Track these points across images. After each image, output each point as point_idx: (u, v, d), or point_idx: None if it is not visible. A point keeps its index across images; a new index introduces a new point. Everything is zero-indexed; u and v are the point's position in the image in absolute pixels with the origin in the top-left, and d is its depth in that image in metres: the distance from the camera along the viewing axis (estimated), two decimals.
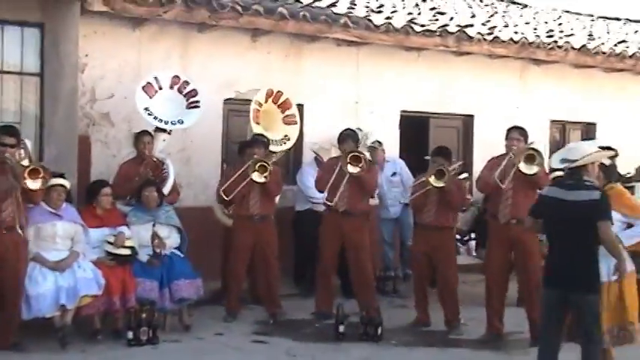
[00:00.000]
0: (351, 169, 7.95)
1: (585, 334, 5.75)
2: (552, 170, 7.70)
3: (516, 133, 7.62)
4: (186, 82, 8.55)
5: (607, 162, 6.63)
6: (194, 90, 8.52)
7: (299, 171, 9.77)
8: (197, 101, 8.50)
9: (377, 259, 9.48)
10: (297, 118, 9.22)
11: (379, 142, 9.94)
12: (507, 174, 7.37)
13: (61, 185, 7.17)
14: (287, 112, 9.10)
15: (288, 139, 9.04)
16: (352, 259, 8.30)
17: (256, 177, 7.96)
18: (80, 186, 8.06)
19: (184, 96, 8.49)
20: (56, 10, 8.07)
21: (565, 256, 5.74)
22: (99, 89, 8.94)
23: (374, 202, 9.16)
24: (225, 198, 8.08)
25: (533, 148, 7.35)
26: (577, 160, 5.76)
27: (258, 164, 7.96)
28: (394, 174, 9.95)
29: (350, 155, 7.98)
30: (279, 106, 9.03)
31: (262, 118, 8.79)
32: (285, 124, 9.09)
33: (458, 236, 9.63)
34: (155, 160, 8.28)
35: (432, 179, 7.76)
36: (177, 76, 8.56)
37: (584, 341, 5.77)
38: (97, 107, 8.95)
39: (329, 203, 8.16)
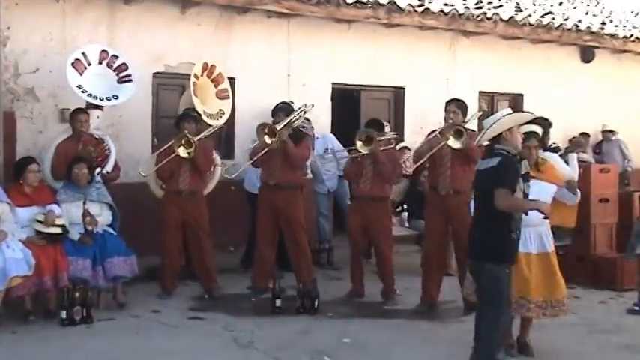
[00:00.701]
0: (268, 140, 7.89)
1: (483, 298, 5.71)
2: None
3: (453, 105, 7.69)
4: (115, 56, 8.34)
5: (540, 132, 6.75)
6: (124, 64, 8.33)
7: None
8: (128, 75, 8.31)
9: (313, 232, 9.49)
10: (230, 93, 9.08)
11: (307, 120, 9.96)
12: (440, 149, 7.50)
13: None
14: (220, 87, 8.96)
15: (223, 114, 8.90)
16: (287, 233, 8.28)
17: (182, 152, 7.85)
18: (6, 164, 7.82)
19: (114, 70, 8.28)
20: None
21: (474, 224, 5.79)
22: (22, 63, 8.64)
23: (307, 176, 9.14)
24: (143, 175, 8.02)
25: (459, 125, 7.45)
26: (486, 133, 5.67)
27: (184, 139, 7.87)
28: (326, 150, 9.96)
29: (267, 128, 7.94)
30: (212, 80, 8.89)
31: (198, 91, 8.64)
32: (219, 98, 8.95)
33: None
34: (97, 137, 8.09)
35: (359, 145, 7.82)
36: (105, 51, 8.33)
37: (480, 312, 5.77)
38: (21, 82, 8.67)
39: (265, 181, 8.11)
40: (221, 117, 8.87)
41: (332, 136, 10.25)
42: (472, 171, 6.97)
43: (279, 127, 7.94)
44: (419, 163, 7.75)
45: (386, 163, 8.01)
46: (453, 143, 7.43)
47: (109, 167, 8.00)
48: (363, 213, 8.09)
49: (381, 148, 8.03)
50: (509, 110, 6.10)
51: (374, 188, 8.04)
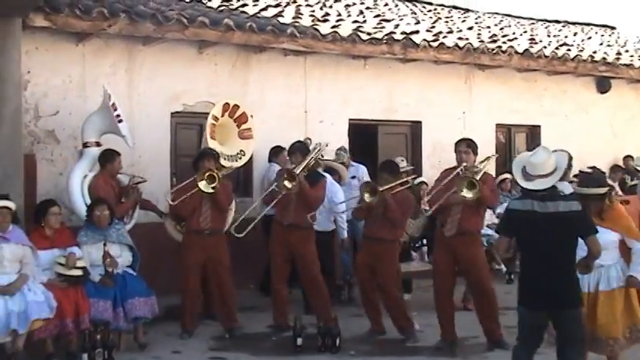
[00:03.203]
0: (288, 184, 7.86)
1: (570, 341, 5.54)
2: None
3: (464, 145, 7.63)
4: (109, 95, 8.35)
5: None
6: (113, 104, 8.29)
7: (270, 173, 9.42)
8: (119, 115, 8.30)
9: (339, 268, 9.51)
10: (253, 133, 9.01)
11: (345, 150, 10.16)
12: (452, 196, 7.39)
13: (6, 207, 6.99)
14: (243, 127, 8.90)
15: (244, 154, 8.88)
16: (302, 272, 8.28)
17: (203, 186, 7.79)
18: (27, 206, 7.86)
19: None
20: None
21: (548, 274, 5.40)
22: (43, 106, 8.77)
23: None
24: (170, 203, 8.01)
25: (472, 177, 7.33)
26: (551, 173, 5.44)
27: (207, 174, 7.83)
28: (353, 177, 9.98)
29: (286, 173, 7.93)
30: (235, 120, 8.84)
31: (218, 132, 8.63)
32: (241, 138, 8.91)
33: (410, 243, 9.69)
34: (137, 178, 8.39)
35: (365, 196, 7.74)
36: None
37: (568, 347, 5.58)
38: (42, 124, 8.79)
39: (279, 220, 8.15)
40: (241, 158, 8.84)
41: (364, 168, 10.24)
42: (480, 213, 7.58)
43: (297, 170, 7.95)
44: (433, 209, 7.53)
45: (395, 210, 7.82)
46: (467, 194, 7.28)
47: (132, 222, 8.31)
48: (370, 252, 7.98)
49: (394, 190, 7.95)
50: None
51: (381, 230, 7.89)
